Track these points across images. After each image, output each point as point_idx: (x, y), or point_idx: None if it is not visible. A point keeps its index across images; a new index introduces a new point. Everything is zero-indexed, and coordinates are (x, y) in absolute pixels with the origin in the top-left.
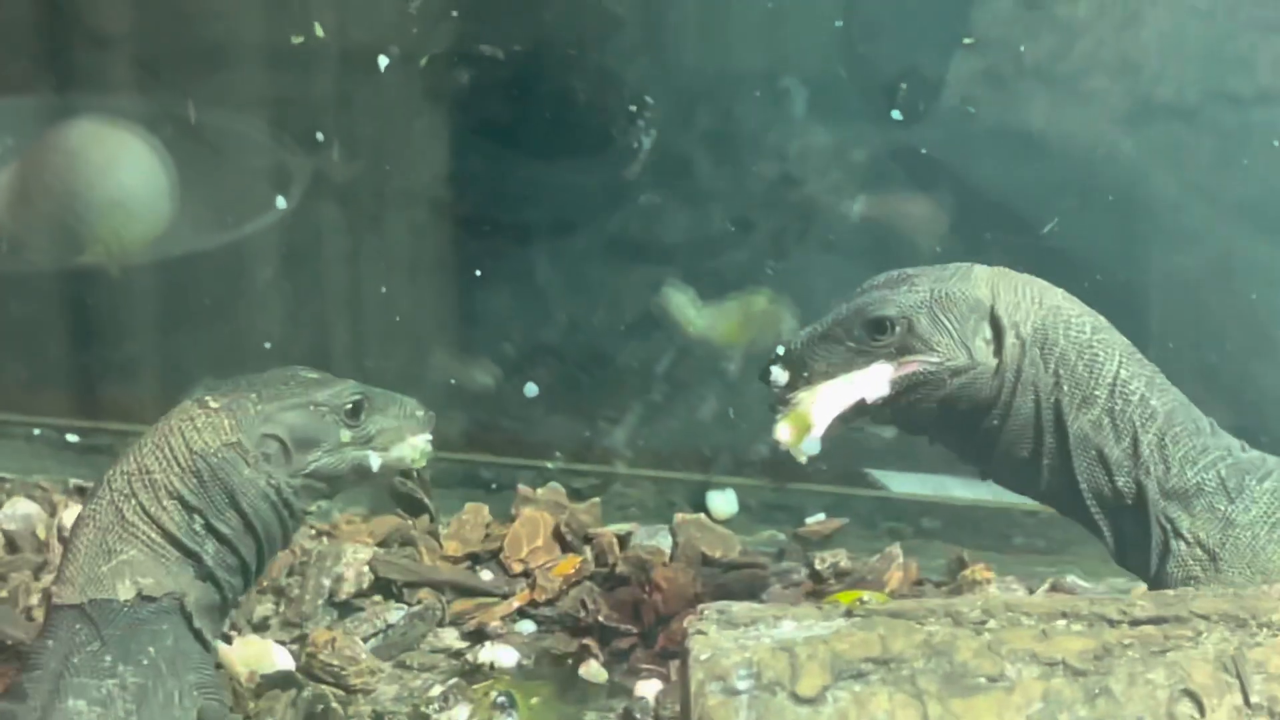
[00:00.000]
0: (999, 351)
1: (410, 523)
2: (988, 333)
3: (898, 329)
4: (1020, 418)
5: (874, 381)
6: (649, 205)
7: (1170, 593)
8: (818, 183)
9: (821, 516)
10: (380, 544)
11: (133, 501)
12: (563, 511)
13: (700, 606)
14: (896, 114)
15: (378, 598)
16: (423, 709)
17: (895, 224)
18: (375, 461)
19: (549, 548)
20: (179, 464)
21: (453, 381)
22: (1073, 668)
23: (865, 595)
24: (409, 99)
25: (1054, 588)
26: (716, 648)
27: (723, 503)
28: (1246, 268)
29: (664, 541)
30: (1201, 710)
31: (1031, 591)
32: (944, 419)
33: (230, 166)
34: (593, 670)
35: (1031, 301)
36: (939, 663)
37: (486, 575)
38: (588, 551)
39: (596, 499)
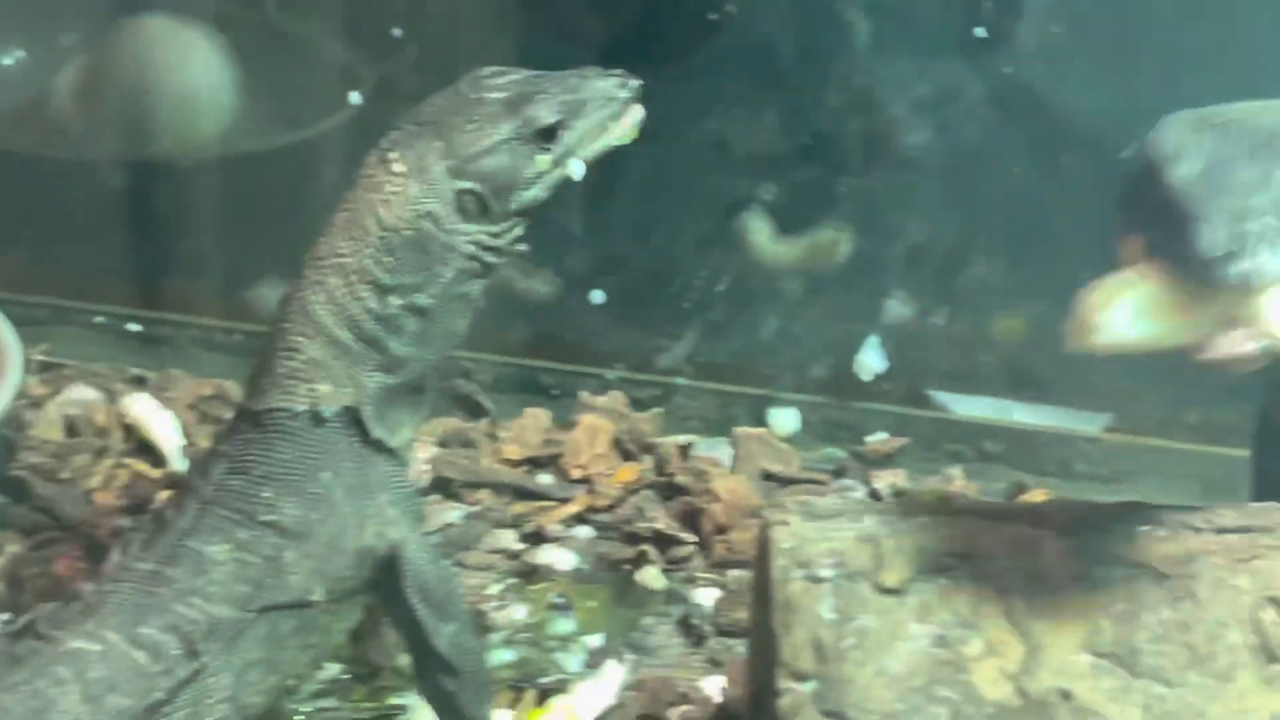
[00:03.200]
0: None
1: (470, 424)
2: None
3: None
4: None
5: None
6: (724, 119)
7: (1254, 505)
8: (900, 102)
9: (883, 436)
10: (440, 444)
11: (319, 290)
12: (623, 420)
13: (781, 498)
14: (981, 31)
15: (437, 497)
16: (480, 607)
17: (977, 148)
18: (579, 169)
19: (608, 455)
20: (369, 243)
21: (518, 288)
22: (1157, 571)
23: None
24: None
25: None
26: (801, 537)
27: (784, 419)
28: None
29: (724, 454)
30: None
31: None
32: None
33: (301, 66)
34: (650, 576)
35: None
36: (1023, 561)
37: (545, 480)
38: (647, 460)
39: (658, 409)
